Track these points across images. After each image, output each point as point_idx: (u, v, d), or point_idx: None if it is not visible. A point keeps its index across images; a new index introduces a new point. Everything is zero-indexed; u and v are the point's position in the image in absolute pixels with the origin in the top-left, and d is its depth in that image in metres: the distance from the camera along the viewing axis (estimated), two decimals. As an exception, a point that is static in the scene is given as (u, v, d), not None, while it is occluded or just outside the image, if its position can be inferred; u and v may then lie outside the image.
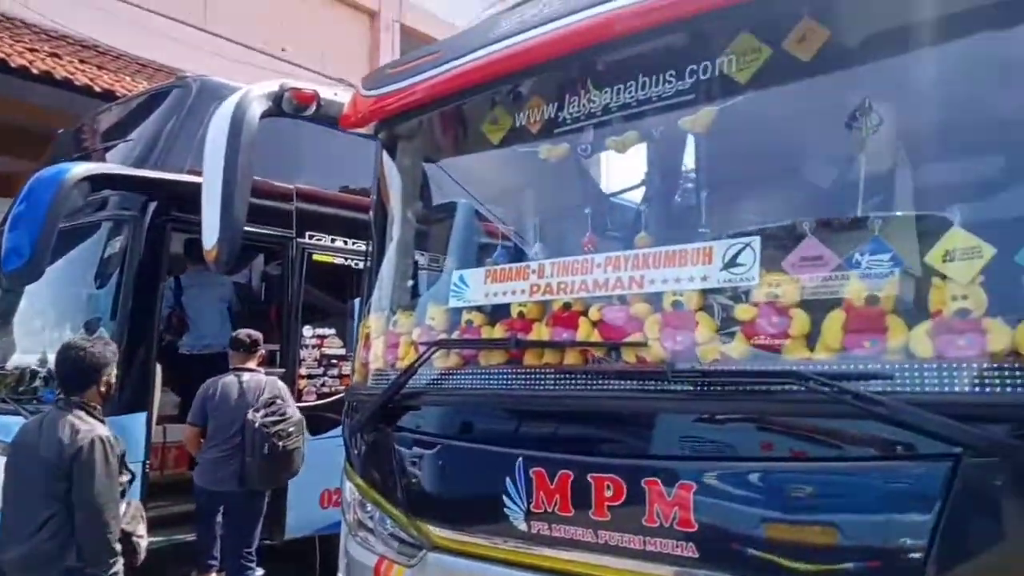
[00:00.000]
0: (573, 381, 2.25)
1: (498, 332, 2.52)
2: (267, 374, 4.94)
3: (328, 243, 5.78)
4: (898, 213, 1.96)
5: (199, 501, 4.81)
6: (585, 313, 2.32)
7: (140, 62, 10.11)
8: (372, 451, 2.84)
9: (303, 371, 5.57)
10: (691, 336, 2.06)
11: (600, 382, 2.19)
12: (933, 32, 1.86)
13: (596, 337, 2.26)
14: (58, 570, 3.07)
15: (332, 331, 5.74)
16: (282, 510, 5.29)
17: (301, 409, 4.94)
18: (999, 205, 1.82)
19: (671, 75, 2.29)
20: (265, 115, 3.31)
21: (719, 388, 1.94)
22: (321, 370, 5.65)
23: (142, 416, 4.79)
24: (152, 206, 4.95)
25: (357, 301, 5.82)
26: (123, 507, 3.31)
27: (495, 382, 2.44)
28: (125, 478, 3.34)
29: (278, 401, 4.70)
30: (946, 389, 1.66)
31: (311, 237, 5.68)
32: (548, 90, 2.62)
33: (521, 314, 2.47)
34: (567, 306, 2.36)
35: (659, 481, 1.97)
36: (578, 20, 2.30)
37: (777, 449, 1.91)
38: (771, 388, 1.85)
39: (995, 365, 1.62)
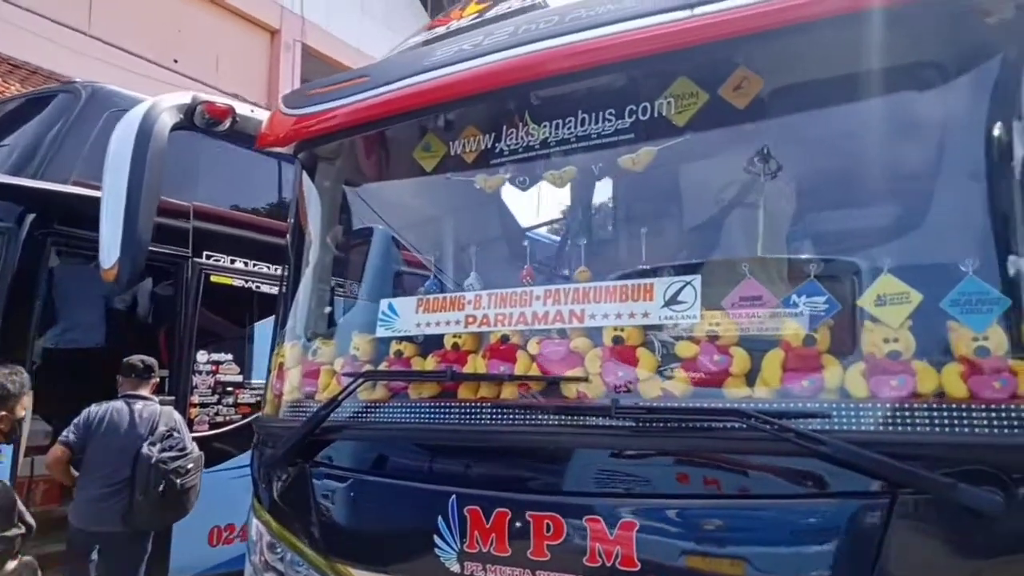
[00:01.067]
0: (511, 416, 2.21)
1: (430, 364, 2.45)
2: (161, 403, 4.60)
3: (227, 264, 5.50)
4: (833, 257, 2.05)
5: (73, 542, 4.33)
6: (524, 346, 2.29)
7: (13, 63, 9.38)
8: (286, 488, 2.68)
9: (195, 399, 5.23)
10: (632, 372, 2.07)
11: (540, 417, 2.16)
12: (865, 85, 1.97)
13: (535, 371, 2.24)
14: None
15: (229, 356, 5.45)
16: (166, 549, 4.90)
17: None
18: (927, 253, 1.94)
19: (610, 113, 2.33)
20: (175, 128, 3.14)
21: (662, 425, 1.95)
22: (215, 398, 5.34)
23: (8, 449, 4.34)
24: (30, 218, 4.54)
25: (258, 325, 5.61)
26: (11, 564, 2.98)
27: (427, 416, 2.36)
28: (12, 532, 2.99)
29: (175, 434, 4.34)
30: (880, 428, 1.74)
31: (209, 257, 5.39)
32: (485, 121, 2.59)
33: (456, 345, 2.41)
34: (505, 338, 2.32)
35: (600, 519, 1.95)
36: (517, 55, 2.29)
37: (719, 486, 1.93)
38: (714, 425, 1.88)
39: (924, 405, 1.71)
